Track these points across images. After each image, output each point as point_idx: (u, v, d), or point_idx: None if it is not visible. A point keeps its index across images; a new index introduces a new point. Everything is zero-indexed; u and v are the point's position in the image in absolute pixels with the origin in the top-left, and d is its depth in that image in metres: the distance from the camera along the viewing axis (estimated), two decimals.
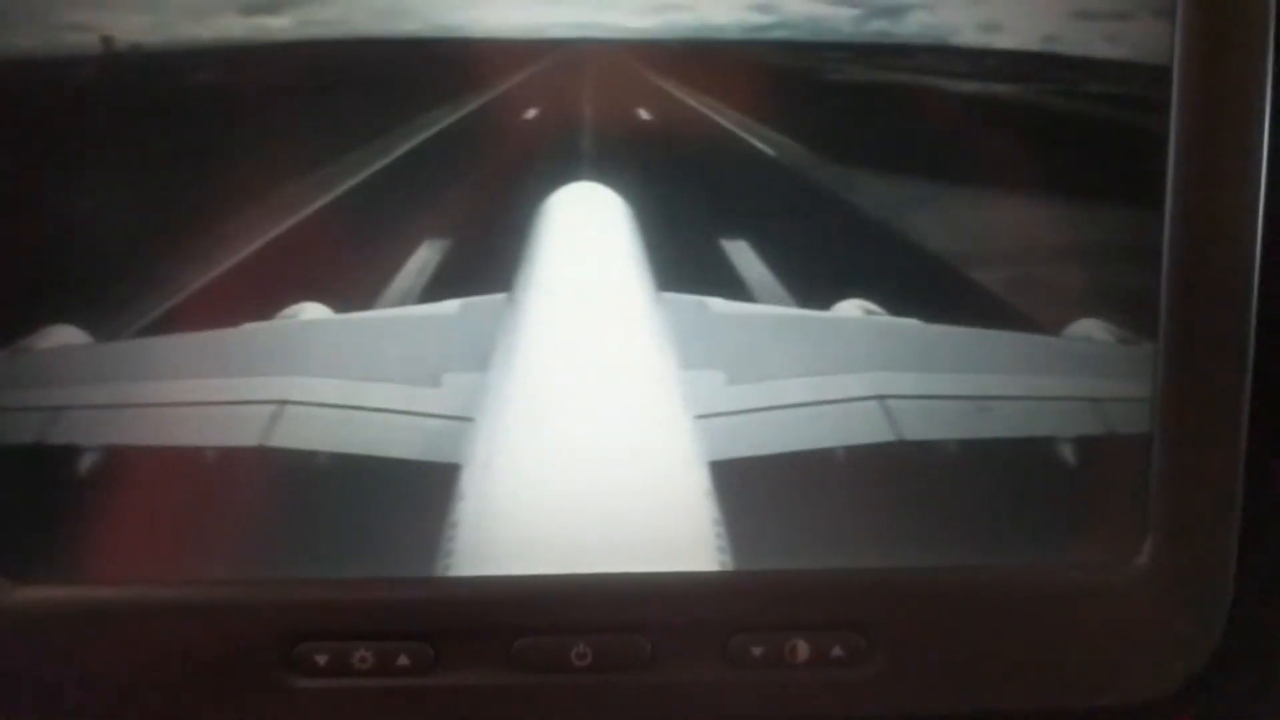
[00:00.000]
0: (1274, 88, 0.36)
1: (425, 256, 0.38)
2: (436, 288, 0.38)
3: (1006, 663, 0.38)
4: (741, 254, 0.38)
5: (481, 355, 0.38)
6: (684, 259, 0.38)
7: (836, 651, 0.38)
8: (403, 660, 0.37)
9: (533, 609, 0.37)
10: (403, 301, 0.38)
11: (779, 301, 0.38)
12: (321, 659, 0.37)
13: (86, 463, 0.37)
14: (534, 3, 0.36)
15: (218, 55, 0.35)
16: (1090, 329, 0.38)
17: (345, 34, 0.35)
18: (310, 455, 0.38)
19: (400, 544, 0.37)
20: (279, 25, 0.35)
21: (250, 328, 0.37)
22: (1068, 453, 0.38)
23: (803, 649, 0.38)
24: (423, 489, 0.37)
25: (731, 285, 0.38)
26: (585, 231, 0.38)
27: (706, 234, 0.38)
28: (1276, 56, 0.36)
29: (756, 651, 0.38)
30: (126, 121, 0.36)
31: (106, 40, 0.35)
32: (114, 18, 0.35)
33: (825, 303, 0.38)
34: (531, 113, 0.37)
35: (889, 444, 0.38)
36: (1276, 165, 0.37)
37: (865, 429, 0.38)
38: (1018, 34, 0.37)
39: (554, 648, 0.37)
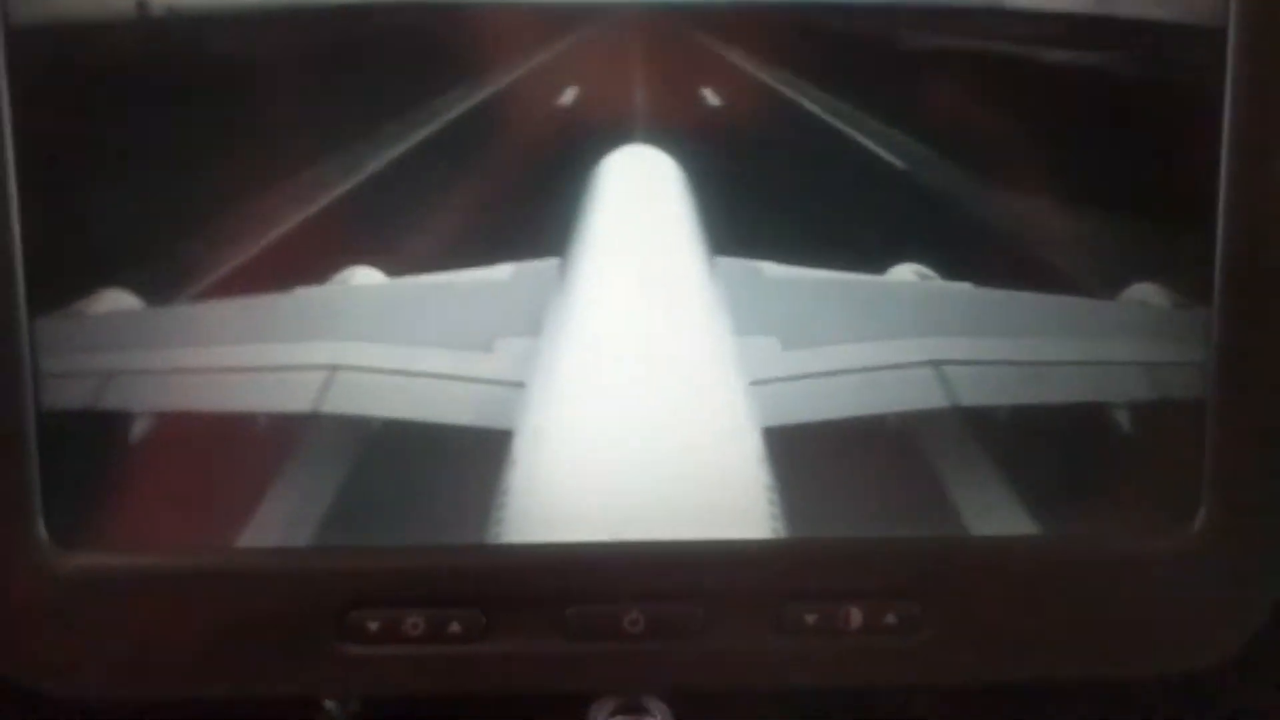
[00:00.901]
0: None
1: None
2: (489, 251, 0.37)
3: (1059, 631, 0.38)
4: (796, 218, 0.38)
5: (534, 320, 0.38)
6: (738, 223, 0.38)
7: (890, 619, 0.37)
8: (454, 627, 0.37)
9: (584, 576, 0.37)
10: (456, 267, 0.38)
11: (833, 266, 0.38)
12: (373, 626, 0.37)
13: (138, 428, 0.37)
14: None
15: (268, 17, 0.35)
16: (1145, 293, 0.38)
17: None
18: (363, 421, 0.37)
19: (452, 510, 0.37)
20: None
21: (302, 292, 0.37)
22: (1122, 418, 0.38)
23: (856, 616, 0.37)
24: (475, 455, 0.37)
25: (786, 249, 0.38)
26: (638, 196, 0.38)
27: (760, 198, 0.38)
28: None
29: (809, 619, 0.37)
30: (177, 86, 0.36)
31: (141, 4, 0.35)
32: None
33: (879, 267, 0.38)
34: (582, 77, 0.37)
35: (943, 410, 0.38)
36: None
37: (919, 395, 0.38)
38: None
39: (606, 615, 0.37)
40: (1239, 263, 0.37)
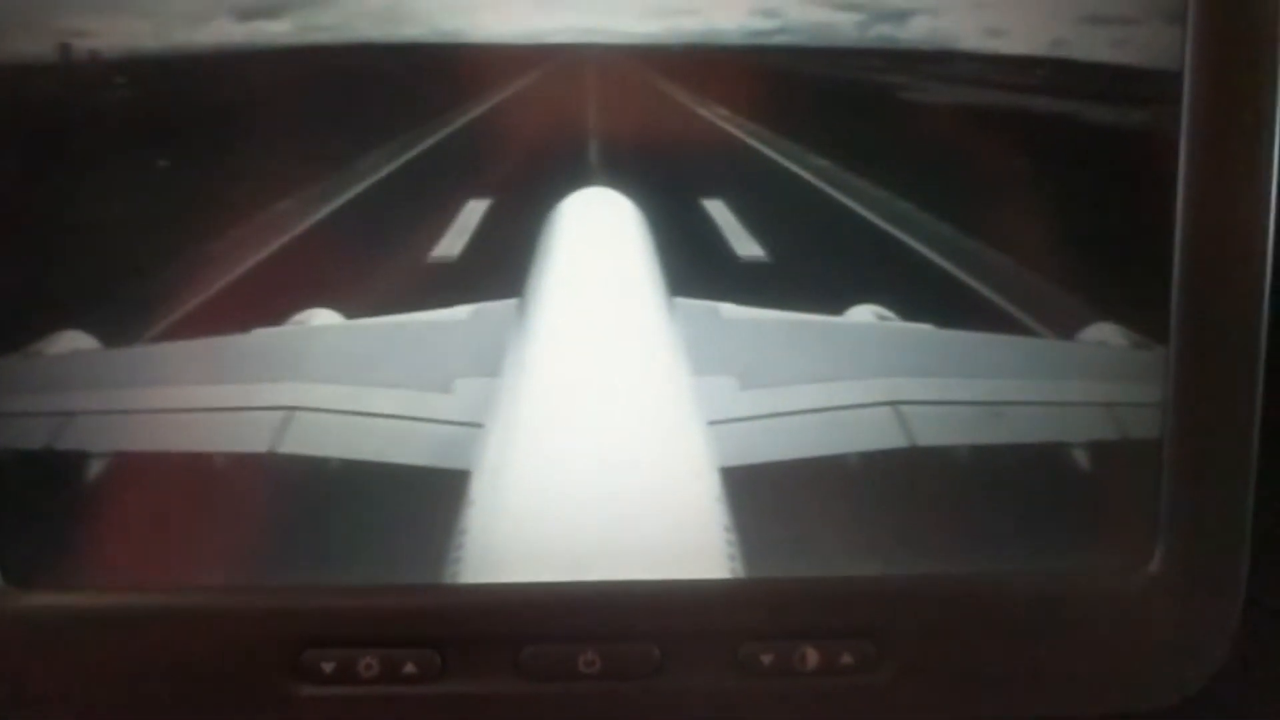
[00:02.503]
0: None
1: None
2: (448, 292, 0.38)
3: (1017, 671, 0.38)
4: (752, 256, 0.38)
5: (492, 361, 0.38)
6: (696, 264, 0.38)
7: (846, 659, 0.37)
8: (409, 668, 0.37)
9: (541, 616, 0.37)
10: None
11: (791, 307, 0.38)
12: (328, 666, 0.37)
13: (95, 468, 0.37)
14: (537, 8, 0.36)
15: (222, 61, 0.35)
16: (1104, 333, 0.38)
17: (347, 39, 0.35)
18: (320, 461, 0.37)
19: (409, 550, 0.37)
20: (279, 30, 0.35)
21: (260, 333, 0.37)
22: (1080, 458, 0.38)
23: (812, 657, 0.37)
24: (432, 495, 0.37)
25: (743, 290, 0.38)
26: (596, 236, 0.38)
27: (718, 239, 0.38)
28: None
29: (766, 659, 0.37)
30: (135, 127, 0.36)
31: (94, 53, 0.35)
32: (112, 23, 0.35)
33: (838, 308, 0.38)
34: (538, 118, 0.37)
35: (902, 450, 0.38)
36: None
37: (878, 435, 0.38)
38: (1023, 39, 0.37)
39: (562, 656, 0.37)
40: (1195, 303, 0.37)
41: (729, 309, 0.38)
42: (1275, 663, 0.42)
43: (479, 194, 0.37)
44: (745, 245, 0.38)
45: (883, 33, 0.37)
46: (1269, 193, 0.36)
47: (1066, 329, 0.38)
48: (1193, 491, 0.38)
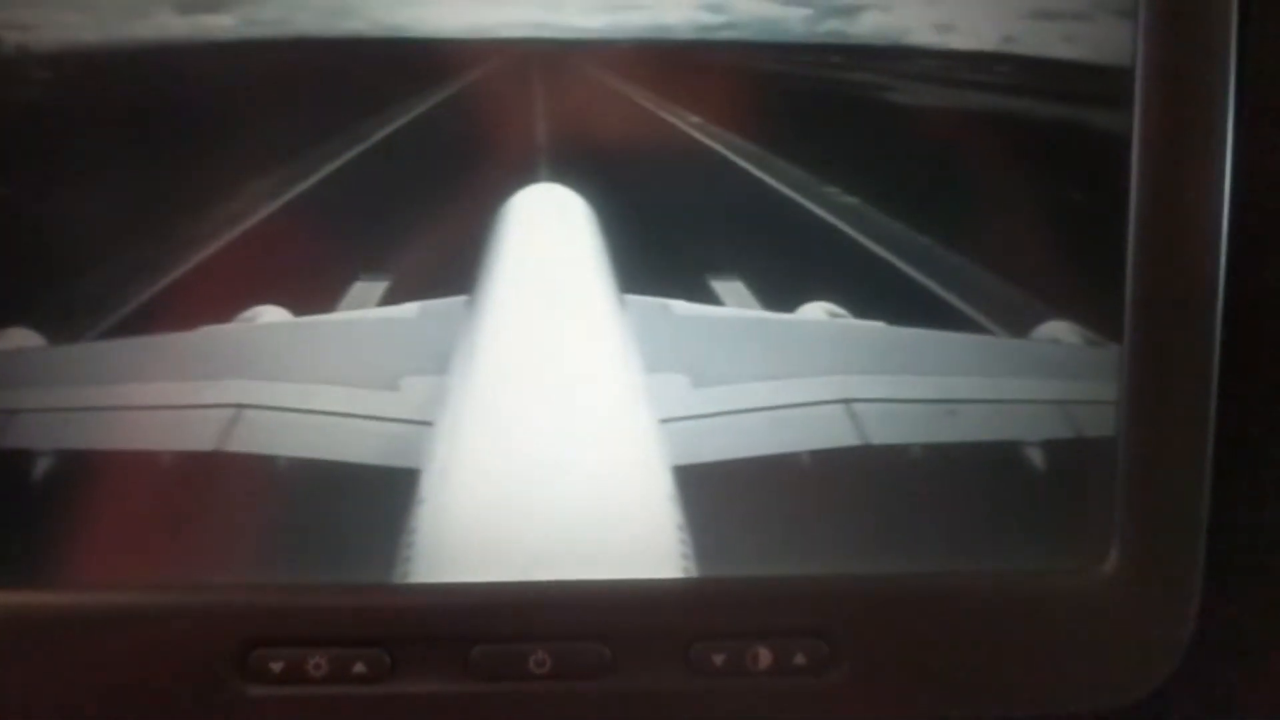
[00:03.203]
0: (1237, 88, 0.36)
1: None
2: (396, 292, 0.37)
3: (972, 670, 0.38)
4: (704, 257, 0.38)
5: (441, 359, 0.38)
6: (646, 261, 0.38)
7: (799, 659, 0.37)
8: (358, 668, 0.36)
9: (491, 616, 0.37)
10: (362, 306, 0.37)
11: (743, 304, 0.38)
12: (276, 666, 0.36)
13: (40, 467, 0.37)
14: (481, 2, 0.35)
15: (165, 55, 0.35)
16: (1057, 331, 0.38)
17: (289, 33, 0.35)
18: (267, 460, 0.37)
19: (358, 550, 0.37)
20: (220, 24, 0.35)
21: (207, 331, 0.37)
22: (1035, 456, 0.38)
23: (765, 656, 0.37)
24: (381, 494, 0.37)
25: (695, 288, 0.38)
26: (546, 233, 0.38)
27: (668, 236, 0.38)
28: (1239, 57, 0.36)
29: (718, 659, 0.37)
30: (77, 123, 0.36)
31: (31, 46, 0.35)
32: (48, 15, 0.35)
33: (790, 305, 0.38)
34: (485, 114, 0.37)
35: (854, 448, 0.38)
36: (1240, 167, 0.36)
37: (830, 433, 0.38)
38: (974, 35, 0.37)
39: (512, 655, 0.37)
40: (1148, 301, 0.37)
41: (680, 306, 0.38)
42: (1231, 659, 0.41)
43: (426, 192, 0.37)
44: (695, 242, 0.38)
45: (832, 28, 0.36)
46: (1222, 189, 0.36)
47: (1020, 327, 0.38)
48: (1148, 489, 0.37)
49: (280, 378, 0.37)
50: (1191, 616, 0.38)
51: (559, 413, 0.37)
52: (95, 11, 0.35)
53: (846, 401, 0.38)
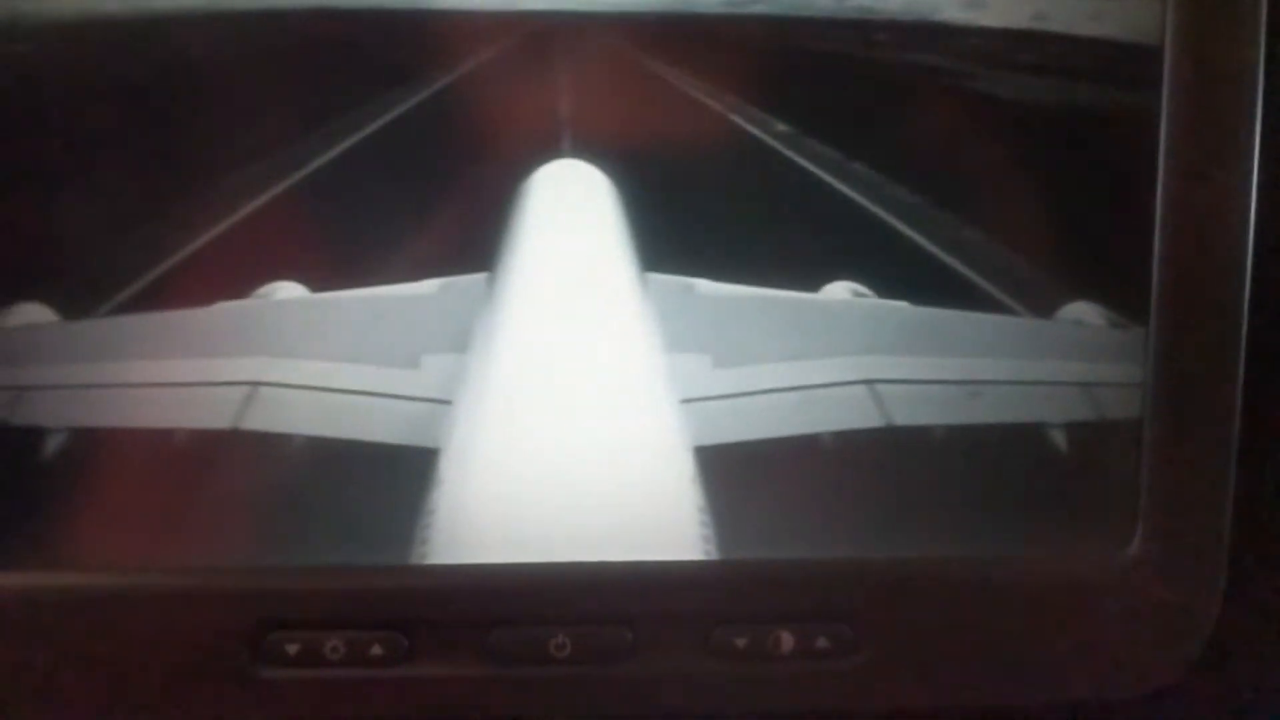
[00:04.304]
0: (1266, 68, 0.36)
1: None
2: (416, 266, 0.37)
3: (995, 655, 0.38)
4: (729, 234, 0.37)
5: (461, 337, 0.37)
6: (669, 238, 0.37)
7: (821, 643, 0.37)
8: (376, 650, 0.36)
9: (510, 598, 0.36)
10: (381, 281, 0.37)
11: (767, 284, 0.38)
12: (292, 649, 0.36)
13: (53, 445, 0.36)
14: None
15: (183, 25, 0.35)
16: (1082, 312, 0.38)
17: (310, 4, 0.35)
18: (284, 439, 0.37)
19: (375, 530, 0.36)
20: None
21: (223, 307, 0.36)
22: (1059, 439, 0.38)
23: (787, 640, 0.37)
24: (399, 474, 0.37)
25: (718, 266, 0.37)
26: (568, 210, 0.37)
27: (691, 213, 0.37)
28: (1269, 36, 0.36)
29: (740, 643, 0.37)
30: (92, 97, 0.35)
31: (49, 18, 0.34)
32: None
33: (813, 285, 0.38)
34: (507, 88, 0.36)
35: (878, 429, 0.37)
36: (1269, 147, 0.36)
37: (853, 414, 0.38)
38: (1003, 12, 0.36)
39: (532, 638, 0.36)
40: (1176, 283, 0.36)
41: (703, 285, 0.37)
42: (1255, 652, 0.41)
43: (447, 167, 0.36)
44: (720, 220, 0.37)
45: (860, 3, 0.36)
46: (1250, 170, 0.36)
47: (1045, 308, 0.38)
48: (1173, 473, 0.37)
49: (297, 355, 0.37)
50: (1216, 601, 0.38)
51: (579, 392, 0.37)
52: None
53: (870, 382, 0.38)
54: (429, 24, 0.35)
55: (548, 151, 0.36)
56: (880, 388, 0.38)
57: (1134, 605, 0.38)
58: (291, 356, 0.37)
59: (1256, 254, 0.36)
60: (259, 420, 0.36)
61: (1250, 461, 0.38)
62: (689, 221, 0.37)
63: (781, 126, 0.37)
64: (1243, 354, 0.37)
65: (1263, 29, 0.36)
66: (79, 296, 0.36)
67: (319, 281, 0.37)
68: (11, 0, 0.34)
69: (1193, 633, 0.38)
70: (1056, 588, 0.38)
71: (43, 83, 0.35)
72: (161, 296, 0.36)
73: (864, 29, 0.36)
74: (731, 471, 0.37)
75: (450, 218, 0.37)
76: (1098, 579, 0.38)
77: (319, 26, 0.35)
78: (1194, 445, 0.37)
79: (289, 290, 0.37)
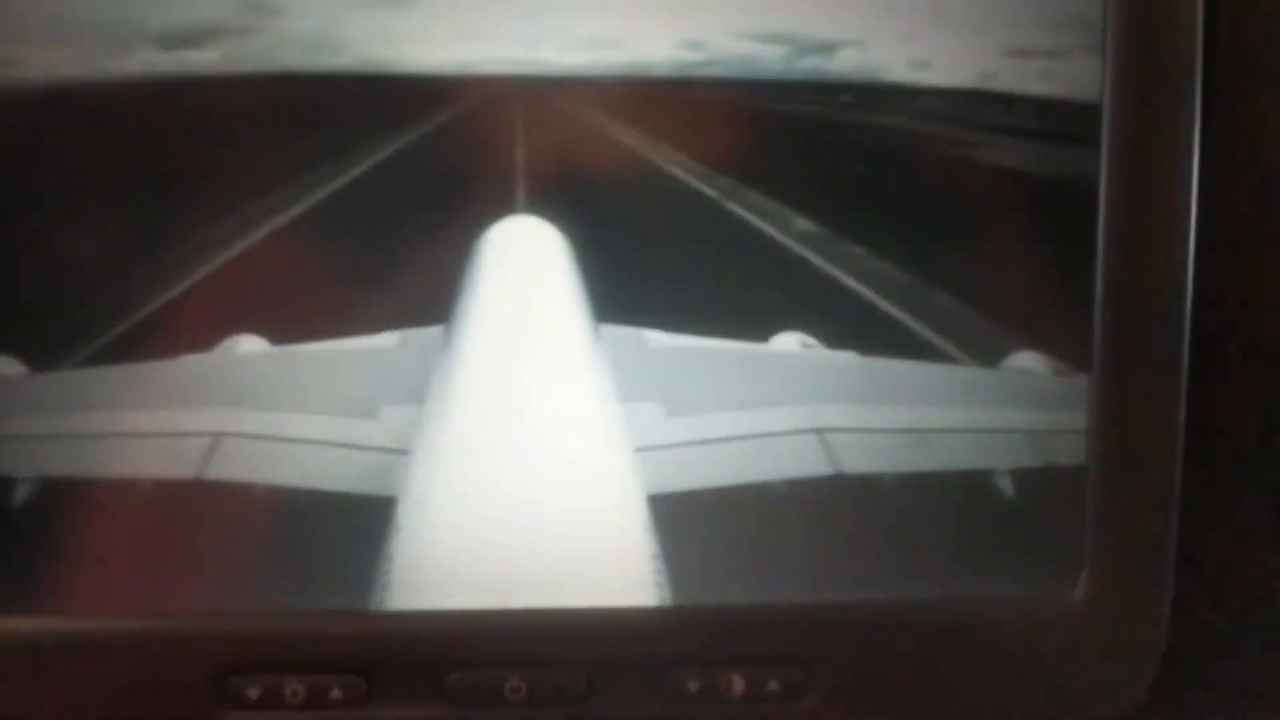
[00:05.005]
0: (1201, 124, 0.37)
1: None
2: (374, 319, 0.38)
3: (943, 697, 0.38)
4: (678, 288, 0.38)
5: (418, 388, 0.38)
6: (622, 291, 0.38)
7: (772, 685, 0.38)
8: (335, 693, 0.37)
9: (467, 643, 0.37)
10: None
11: (716, 334, 0.39)
12: (253, 692, 0.37)
13: (20, 494, 0.37)
14: (464, 39, 0.36)
15: (147, 89, 0.36)
16: (1027, 361, 0.38)
17: (273, 69, 0.36)
18: (247, 487, 0.38)
19: (336, 576, 0.37)
20: (204, 59, 0.35)
21: (187, 360, 0.37)
22: (1006, 485, 0.39)
23: (739, 683, 0.37)
24: (359, 522, 0.37)
25: (670, 317, 0.38)
26: (522, 264, 0.38)
27: (642, 267, 0.38)
28: (1204, 92, 0.37)
29: (693, 686, 0.37)
30: (60, 155, 0.36)
31: (17, 81, 0.35)
32: (35, 51, 0.35)
33: (762, 336, 0.39)
34: (465, 147, 0.37)
35: (828, 477, 0.38)
36: (1205, 201, 0.37)
37: (804, 462, 0.38)
38: (949, 71, 0.37)
39: (489, 682, 0.37)
40: (1116, 332, 0.37)
41: (654, 336, 0.38)
42: (1201, 682, 0.42)
43: (404, 223, 0.37)
44: (670, 273, 0.38)
45: (810, 65, 0.37)
46: (1187, 222, 0.37)
47: (990, 357, 0.39)
48: (1117, 517, 0.38)
49: (259, 406, 0.38)
50: (1160, 644, 0.39)
51: (535, 441, 0.38)
52: (80, 48, 0.35)
53: (819, 431, 0.39)
54: (390, 87, 0.36)
55: (503, 208, 0.37)
56: (830, 436, 0.38)
57: (1080, 646, 0.38)
58: (254, 408, 0.38)
59: (1195, 303, 0.37)
60: (222, 470, 0.37)
61: (1193, 502, 0.38)
62: (640, 275, 0.38)
63: (730, 183, 0.38)
64: (1184, 400, 0.38)
65: (1198, 86, 0.37)
66: (47, 350, 0.37)
67: (280, 335, 0.38)
68: None
69: (1138, 674, 0.39)
70: (1004, 630, 0.38)
71: (10, 142, 0.36)
72: (128, 349, 0.37)
73: (812, 89, 0.37)
74: (684, 518, 0.38)
75: (408, 272, 0.38)
76: (1045, 621, 0.38)
77: (283, 89, 0.36)
78: (1137, 489, 0.38)
79: (251, 344, 0.38)
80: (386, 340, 0.38)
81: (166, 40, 0.35)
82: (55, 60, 0.35)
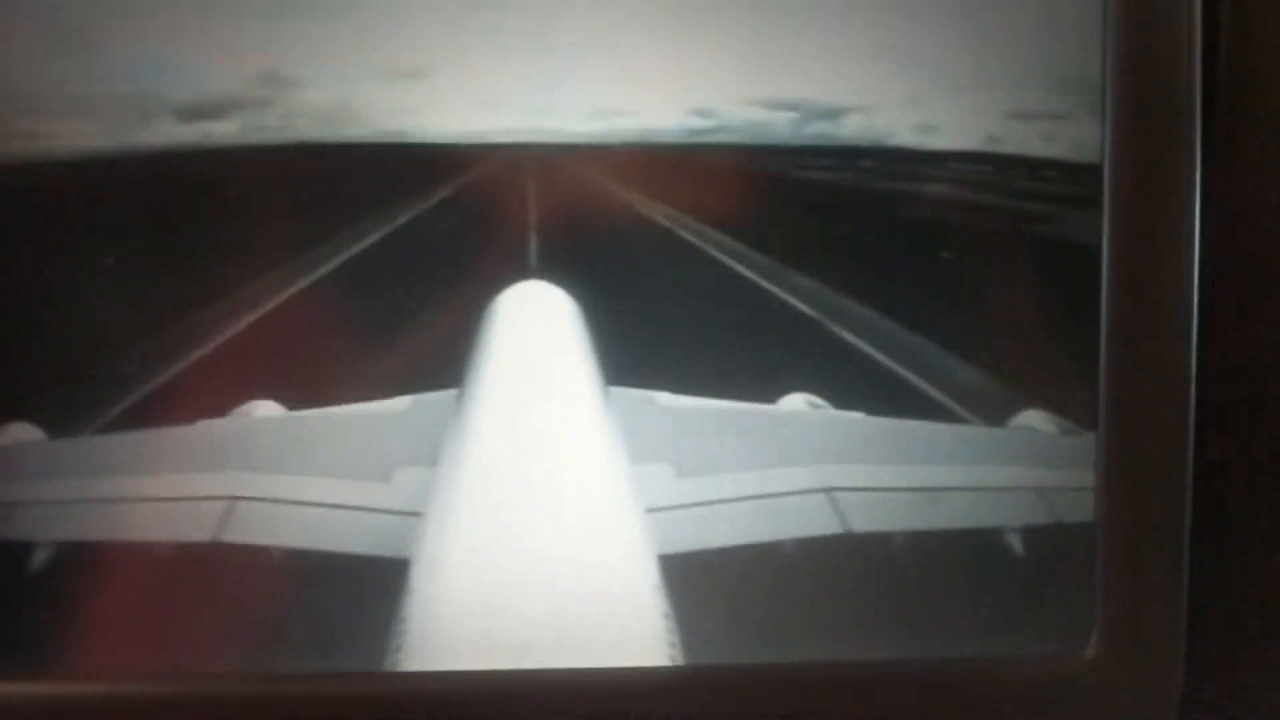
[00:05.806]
0: (1202, 183, 0.37)
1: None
2: (388, 384, 0.38)
3: None
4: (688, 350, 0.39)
5: (431, 451, 0.38)
6: (631, 354, 0.38)
7: None
8: None
9: (480, 704, 0.37)
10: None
11: (726, 395, 0.39)
12: None
13: (40, 558, 0.37)
14: (478, 109, 0.37)
15: (168, 160, 0.36)
16: (1034, 420, 0.39)
17: (290, 139, 0.36)
18: (262, 550, 0.38)
19: (350, 638, 0.37)
20: (223, 130, 0.36)
21: (204, 425, 0.38)
22: (1015, 543, 0.39)
23: None
24: (372, 584, 0.38)
25: (679, 379, 0.39)
26: (533, 328, 0.39)
27: (653, 330, 0.39)
28: (1204, 152, 0.37)
29: None
30: (83, 224, 0.37)
31: (43, 152, 0.36)
32: (60, 124, 0.36)
33: (771, 397, 0.39)
34: (478, 213, 0.38)
35: (837, 536, 0.39)
36: (1207, 258, 0.37)
37: (813, 521, 0.39)
38: (954, 135, 0.38)
39: None
40: (1122, 390, 0.38)
41: (664, 398, 0.39)
42: None
43: (418, 289, 0.38)
44: (680, 336, 0.39)
45: (818, 130, 0.38)
46: (1190, 282, 0.37)
47: (997, 416, 0.39)
48: (1127, 575, 0.38)
49: (275, 470, 0.38)
50: (1175, 698, 0.38)
51: (547, 503, 0.38)
52: (102, 120, 0.36)
53: (828, 490, 0.39)
54: (405, 157, 0.37)
55: (515, 272, 0.38)
56: (839, 495, 0.39)
57: (1092, 705, 0.38)
58: (269, 472, 0.38)
59: (1200, 357, 0.38)
60: (238, 533, 0.38)
61: (1203, 559, 0.39)
62: (650, 337, 0.39)
63: (739, 246, 0.39)
64: (1191, 455, 0.38)
65: (1198, 145, 0.37)
66: (66, 416, 0.37)
67: (295, 400, 0.38)
68: (9, 137, 0.36)
69: None
70: (1015, 689, 0.38)
71: (32, 211, 0.37)
72: (145, 415, 0.38)
73: (821, 154, 0.38)
74: (696, 578, 0.38)
75: (421, 337, 0.38)
76: (1057, 679, 0.38)
77: (300, 159, 0.37)
78: (1147, 546, 0.38)
79: (267, 409, 0.38)
80: (400, 404, 0.39)
81: (185, 112, 0.36)
82: (77, 133, 0.36)
